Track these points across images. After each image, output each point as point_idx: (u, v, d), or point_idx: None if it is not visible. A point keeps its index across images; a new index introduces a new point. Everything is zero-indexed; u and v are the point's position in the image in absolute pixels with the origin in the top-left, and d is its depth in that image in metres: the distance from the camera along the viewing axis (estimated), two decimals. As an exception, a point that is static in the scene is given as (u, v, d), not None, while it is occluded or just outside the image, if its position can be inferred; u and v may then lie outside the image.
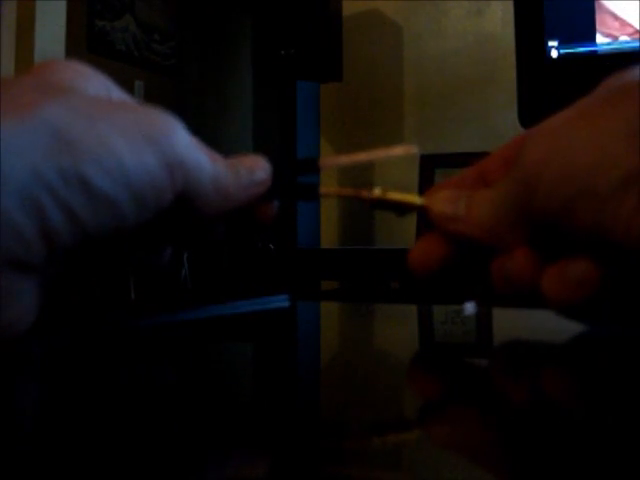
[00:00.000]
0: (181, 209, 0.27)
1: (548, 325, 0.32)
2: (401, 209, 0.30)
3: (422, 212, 0.29)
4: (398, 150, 0.32)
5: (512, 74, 1.32)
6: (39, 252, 0.22)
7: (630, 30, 1.22)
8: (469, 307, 0.39)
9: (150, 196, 0.24)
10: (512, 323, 0.36)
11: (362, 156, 0.32)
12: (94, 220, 0.23)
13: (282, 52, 1.62)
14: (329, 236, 1.87)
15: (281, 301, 0.41)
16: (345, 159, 0.32)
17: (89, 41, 1.99)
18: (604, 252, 0.25)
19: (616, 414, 0.18)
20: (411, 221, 1.51)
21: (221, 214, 0.28)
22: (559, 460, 0.14)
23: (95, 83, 0.27)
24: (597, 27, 1.23)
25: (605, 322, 0.28)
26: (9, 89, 0.24)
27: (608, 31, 1.23)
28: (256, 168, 0.29)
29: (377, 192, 0.30)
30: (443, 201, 0.29)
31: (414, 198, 0.30)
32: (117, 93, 0.28)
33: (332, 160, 0.32)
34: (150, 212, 0.25)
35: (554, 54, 1.24)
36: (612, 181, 0.23)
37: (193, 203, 0.27)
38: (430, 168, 1.55)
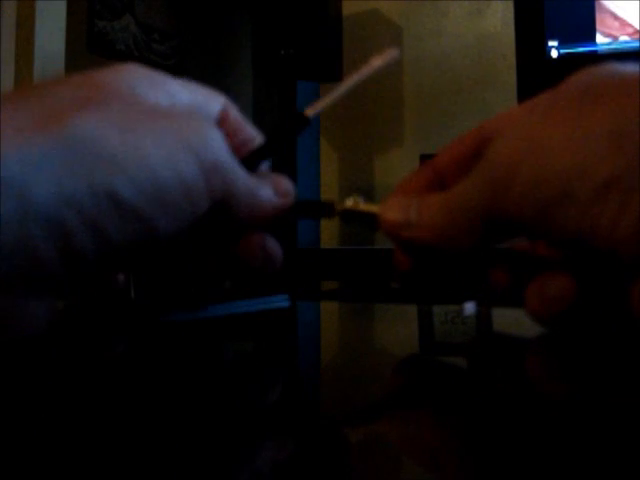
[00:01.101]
0: (217, 216, 0.26)
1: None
2: (369, 222, 0.29)
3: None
4: (378, 60, 0.30)
5: (512, 74, 1.32)
6: (58, 273, 0.21)
7: (630, 30, 1.22)
8: (469, 307, 0.39)
9: (185, 207, 0.24)
10: (512, 323, 0.36)
11: (345, 84, 0.30)
12: (122, 235, 0.22)
13: (282, 52, 1.61)
14: (329, 236, 1.87)
15: (281, 301, 0.41)
16: (329, 98, 0.30)
17: (89, 41, 1.99)
18: (583, 254, 0.24)
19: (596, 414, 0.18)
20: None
21: (253, 223, 0.27)
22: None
23: (157, 88, 0.26)
24: (597, 27, 1.23)
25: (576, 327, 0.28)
26: (41, 98, 0.23)
27: (608, 31, 1.23)
28: (281, 181, 0.28)
29: (349, 203, 0.29)
30: (394, 209, 0.28)
31: (375, 208, 0.29)
32: (186, 98, 0.27)
33: (317, 105, 0.30)
34: (184, 222, 0.24)
35: (554, 54, 1.24)
36: (594, 185, 0.22)
37: (229, 209, 0.26)
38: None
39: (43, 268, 0.21)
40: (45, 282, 0.22)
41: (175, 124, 0.24)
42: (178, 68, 2.30)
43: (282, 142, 0.30)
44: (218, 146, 0.25)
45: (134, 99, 0.24)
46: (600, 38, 1.23)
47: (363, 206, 0.29)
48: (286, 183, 0.29)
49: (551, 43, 1.24)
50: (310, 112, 0.29)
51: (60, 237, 0.21)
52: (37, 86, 0.24)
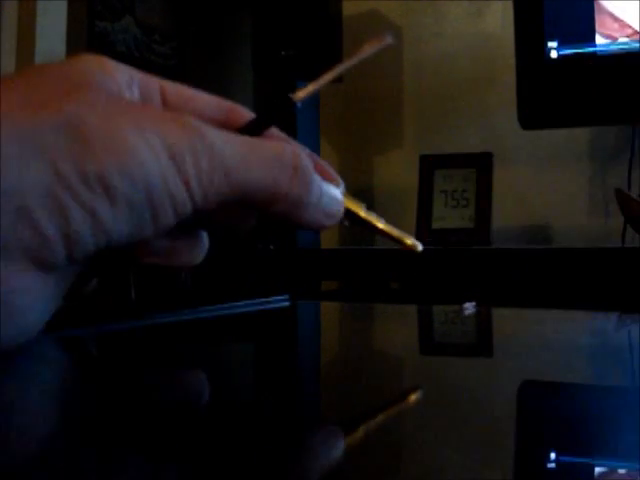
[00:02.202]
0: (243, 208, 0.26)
1: (547, 324, 0.32)
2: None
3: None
4: (369, 48, 0.30)
5: (512, 74, 1.31)
6: (59, 253, 0.22)
7: (629, 31, 1.22)
8: (469, 307, 0.39)
9: (168, 212, 0.23)
10: (512, 323, 0.36)
11: (334, 71, 0.30)
12: (116, 225, 0.22)
13: (282, 52, 1.61)
14: (329, 236, 1.87)
15: (281, 301, 0.41)
16: (316, 84, 0.30)
17: (89, 42, 1.99)
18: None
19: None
20: (410, 221, 1.51)
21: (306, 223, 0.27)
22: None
23: (121, 79, 0.26)
24: (597, 28, 1.23)
25: None
26: (33, 84, 0.23)
27: (608, 32, 1.23)
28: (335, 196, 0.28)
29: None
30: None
31: (359, 207, 0.29)
32: (151, 84, 0.28)
33: (305, 90, 0.30)
34: (168, 222, 0.24)
35: (554, 55, 1.24)
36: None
37: (253, 207, 0.26)
38: (430, 168, 1.55)
39: (47, 244, 0.22)
40: (49, 260, 0.22)
41: (160, 123, 0.24)
42: (179, 69, 2.31)
43: (266, 124, 0.30)
44: (206, 156, 0.24)
45: (104, 90, 0.25)
46: (600, 39, 1.23)
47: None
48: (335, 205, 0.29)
49: (551, 44, 1.24)
50: (301, 95, 0.30)
51: (59, 216, 0.21)
52: (19, 75, 0.24)
